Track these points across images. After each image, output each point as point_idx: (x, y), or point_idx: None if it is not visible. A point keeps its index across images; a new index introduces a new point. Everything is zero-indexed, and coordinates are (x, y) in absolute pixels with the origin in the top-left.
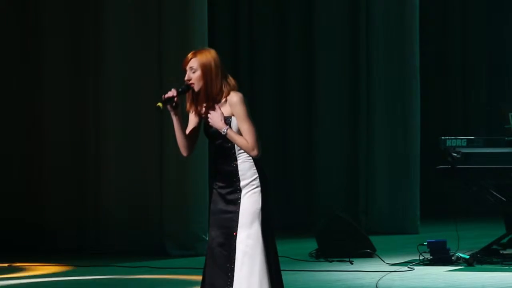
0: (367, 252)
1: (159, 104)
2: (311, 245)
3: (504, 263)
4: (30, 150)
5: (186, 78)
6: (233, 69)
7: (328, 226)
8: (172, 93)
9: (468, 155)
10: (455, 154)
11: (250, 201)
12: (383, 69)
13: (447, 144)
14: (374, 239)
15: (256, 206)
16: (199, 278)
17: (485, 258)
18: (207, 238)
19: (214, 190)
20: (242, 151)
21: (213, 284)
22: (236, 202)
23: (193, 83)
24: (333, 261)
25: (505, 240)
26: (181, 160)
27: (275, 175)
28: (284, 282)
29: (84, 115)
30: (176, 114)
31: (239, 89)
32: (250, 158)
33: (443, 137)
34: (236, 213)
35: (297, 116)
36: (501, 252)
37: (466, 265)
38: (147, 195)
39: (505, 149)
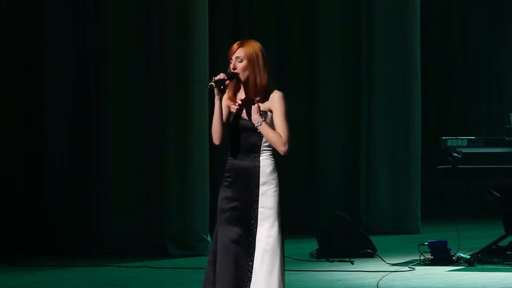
0: (368, 252)
1: (212, 83)
2: (312, 245)
3: (504, 263)
4: (31, 150)
5: (231, 67)
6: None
7: (329, 226)
8: (222, 76)
9: (468, 155)
10: (456, 154)
11: (270, 200)
12: (383, 69)
13: (448, 144)
14: (375, 239)
15: (276, 206)
16: (199, 278)
17: (486, 258)
18: (209, 238)
19: (226, 187)
20: (266, 148)
21: (233, 281)
22: (254, 199)
23: (238, 73)
24: (334, 261)
25: (505, 244)
26: (181, 160)
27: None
28: (285, 282)
29: (85, 115)
30: (220, 99)
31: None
32: (272, 157)
33: (443, 137)
34: (255, 210)
35: (297, 116)
36: (507, 253)
37: (467, 265)
38: (148, 195)
39: (506, 149)
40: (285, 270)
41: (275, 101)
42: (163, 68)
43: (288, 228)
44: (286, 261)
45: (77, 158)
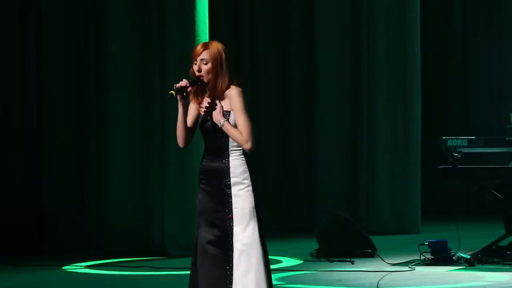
0: (368, 252)
1: (172, 92)
2: (312, 245)
3: (504, 263)
4: (31, 149)
5: (196, 69)
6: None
7: (329, 226)
8: (184, 83)
9: (468, 155)
10: (456, 154)
11: (244, 199)
12: (384, 69)
13: (448, 144)
14: (375, 239)
15: (250, 205)
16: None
17: (486, 258)
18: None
19: (201, 190)
20: (235, 148)
21: (212, 283)
22: (228, 200)
23: (202, 75)
24: (334, 261)
25: (506, 244)
26: (181, 160)
27: (276, 175)
28: (285, 282)
29: (86, 115)
30: (183, 104)
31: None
32: (242, 155)
33: (444, 137)
34: (229, 211)
35: (297, 116)
36: (508, 252)
37: (467, 265)
38: (148, 195)
39: (506, 149)
40: (270, 270)
41: (232, 98)
42: (163, 68)
43: (288, 228)
44: (286, 261)
45: (77, 157)
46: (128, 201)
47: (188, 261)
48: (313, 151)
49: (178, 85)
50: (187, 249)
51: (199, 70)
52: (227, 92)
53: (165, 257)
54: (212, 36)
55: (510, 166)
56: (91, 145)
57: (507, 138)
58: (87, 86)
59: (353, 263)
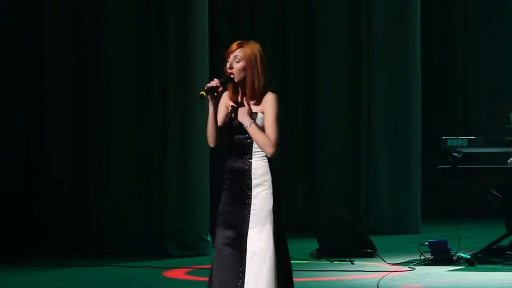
0: (368, 252)
1: (203, 92)
2: (312, 245)
3: (505, 263)
4: (31, 150)
5: (228, 66)
6: None
7: (329, 226)
8: (215, 83)
9: (468, 155)
10: (456, 154)
11: (261, 202)
12: (384, 69)
13: (448, 144)
14: (375, 239)
15: (267, 208)
16: (199, 278)
17: (486, 258)
18: (209, 238)
19: (224, 190)
20: (259, 149)
21: (224, 284)
22: (247, 202)
23: (233, 73)
24: (334, 261)
25: (507, 243)
26: (182, 160)
27: None
28: None
29: (85, 115)
30: (214, 104)
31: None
32: (265, 158)
33: (444, 137)
34: (247, 212)
35: (298, 116)
36: (507, 252)
37: (467, 265)
38: (148, 195)
39: (506, 149)
40: (287, 274)
41: (268, 103)
42: (163, 68)
43: (288, 228)
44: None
45: (77, 158)
46: (128, 201)
47: (188, 261)
48: (313, 150)
49: (209, 85)
50: (187, 249)
51: (231, 68)
52: (265, 96)
53: (165, 257)
54: (212, 36)
55: (509, 166)
56: (91, 145)
57: (507, 138)
58: (87, 86)
59: (353, 263)
